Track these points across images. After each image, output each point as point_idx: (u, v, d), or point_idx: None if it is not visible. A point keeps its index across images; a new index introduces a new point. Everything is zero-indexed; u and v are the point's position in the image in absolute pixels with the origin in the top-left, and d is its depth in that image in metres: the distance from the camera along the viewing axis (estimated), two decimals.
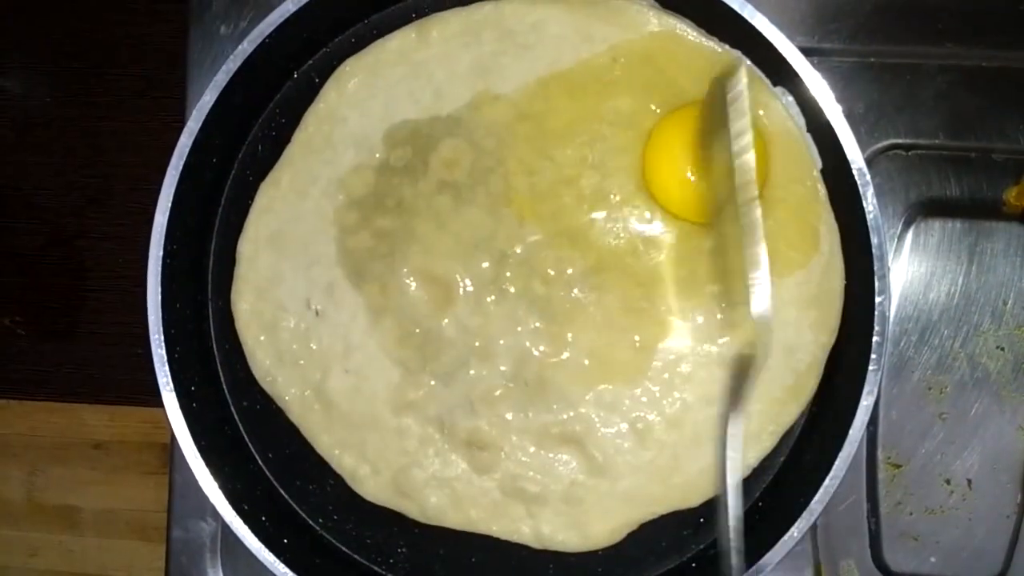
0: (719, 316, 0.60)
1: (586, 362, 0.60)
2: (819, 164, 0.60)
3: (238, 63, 0.60)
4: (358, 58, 0.63)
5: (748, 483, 0.62)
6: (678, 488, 0.61)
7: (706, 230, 0.60)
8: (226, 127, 0.62)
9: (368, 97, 0.63)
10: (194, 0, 0.69)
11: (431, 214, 0.62)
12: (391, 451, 0.62)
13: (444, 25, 0.63)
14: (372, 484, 0.62)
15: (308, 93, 0.64)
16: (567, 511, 0.61)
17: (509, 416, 0.61)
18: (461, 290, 0.61)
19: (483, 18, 0.62)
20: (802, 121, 0.60)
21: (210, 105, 0.59)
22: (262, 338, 0.63)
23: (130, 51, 1.46)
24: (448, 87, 0.62)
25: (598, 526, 0.61)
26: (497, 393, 0.61)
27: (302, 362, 0.62)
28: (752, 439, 0.60)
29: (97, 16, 1.47)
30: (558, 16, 0.62)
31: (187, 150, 0.59)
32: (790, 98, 0.60)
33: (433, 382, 0.61)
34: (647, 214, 0.61)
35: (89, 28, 1.48)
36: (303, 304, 0.62)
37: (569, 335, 0.61)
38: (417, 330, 0.62)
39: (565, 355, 0.60)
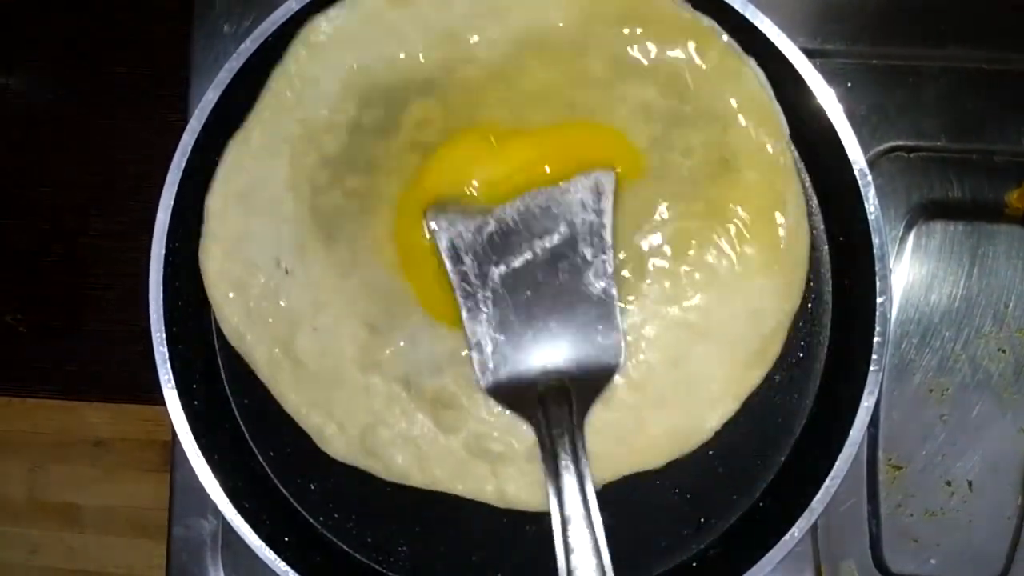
0: (683, 280, 0.61)
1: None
2: (787, 133, 0.60)
3: (240, 62, 0.60)
4: (326, 15, 0.62)
5: (749, 483, 0.63)
6: (640, 450, 0.61)
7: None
8: (228, 125, 0.62)
9: (340, 56, 0.62)
10: None
11: (401, 175, 0.62)
12: (358, 409, 0.62)
13: None
14: (338, 442, 0.62)
15: None
16: (531, 470, 0.61)
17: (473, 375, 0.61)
18: (432, 253, 0.61)
19: None
20: (770, 90, 0.60)
21: (212, 103, 0.59)
22: (231, 295, 0.62)
23: (133, 49, 1.46)
24: (421, 47, 0.61)
25: None
26: (463, 353, 0.61)
27: (271, 320, 0.62)
28: (716, 402, 0.61)
29: (100, 15, 1.48)
30: None
31: (189, 148, 0.60)
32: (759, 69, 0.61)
33: (401, 342, 0.62)
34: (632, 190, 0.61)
35: (92, 27, 1.48)
36: (273, 262, 0.62)
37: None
38: (387, 290, 0.62)
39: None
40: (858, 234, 0.58)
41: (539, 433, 0.58)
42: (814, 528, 0.62)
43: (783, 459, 0.63)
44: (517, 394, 0.59)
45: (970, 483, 0.65)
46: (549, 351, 0.59)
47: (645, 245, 0.61)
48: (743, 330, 0.61)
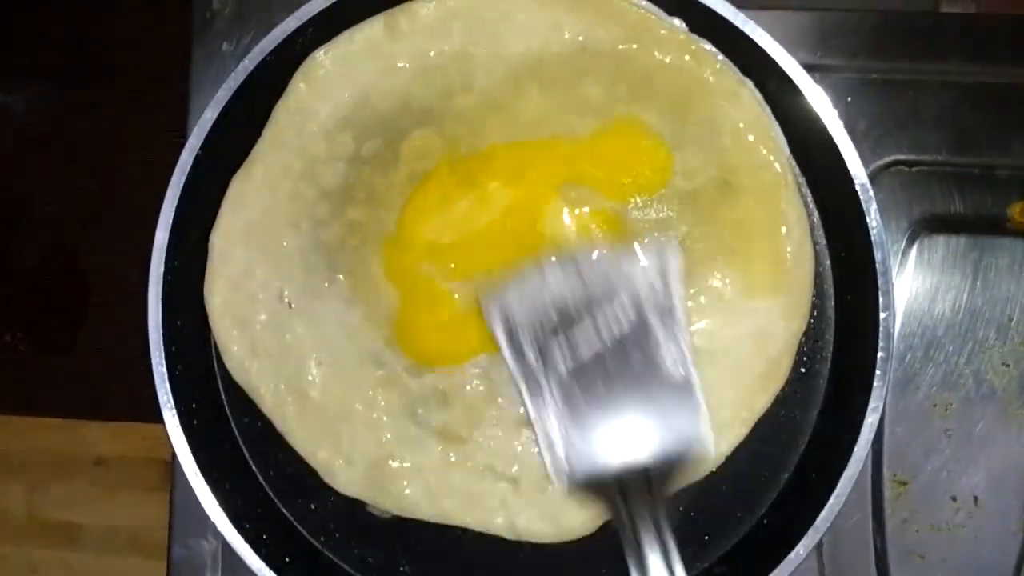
0: (690, 303, 0.60)
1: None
2: (787, 151, 0.60)
3: (239, 80, 0.60)
4: (326, 49, 0.63)
5: (754, 500, 0.62)
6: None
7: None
8: (227, 144, 0.62)
9: (338, 89, 0.62)
10: (197, 17, 0.69)
11: (402, 205, 0.62)
12: (365, 443, 0.62)
13: (412, 16, 0.62)
14: (346, 477, 0.62)
15: None
16: (540, 501, 0.60)
17: (482, 406, 0.61)
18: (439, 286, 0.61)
19: (452, 8, 0.62)
20: (768, 109, 0.60)
21: (211, 122, 0.60)
22: (235, 332, 0.62)
23: (132, 68, 1.47)
24: (419, 78, 0.62)
25: (573, 517, 0.60)
26: (469, 384, 0.60)
27: (275, 355, 0.62)
28: (725, 427, 0.60)
29: (100, 33, 1.48)
30: (527, 6, 0.62)
31: (188, 167, 0.60)
32: (755, 89, 0.61)
33: (406, 375, 0.61)
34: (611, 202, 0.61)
35: (92, 45, 1.49)
36: (276, 296, 0.62)
37: None
38: (389, 323, 0.62)
39: None
40: (860, 249, 0.58)
41: (617, 515, 0.54)
42: (819, 545, 0.62)
43: (787, 476, 0.63)
44: (595, 486, 0.55)
45: (976, 498, 0.64)
46: (629, 444, 0.55)
47: None
48: (750, 353, 0.60)
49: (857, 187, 0.57)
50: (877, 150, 0.65)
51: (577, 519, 0.60)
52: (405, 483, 0.61)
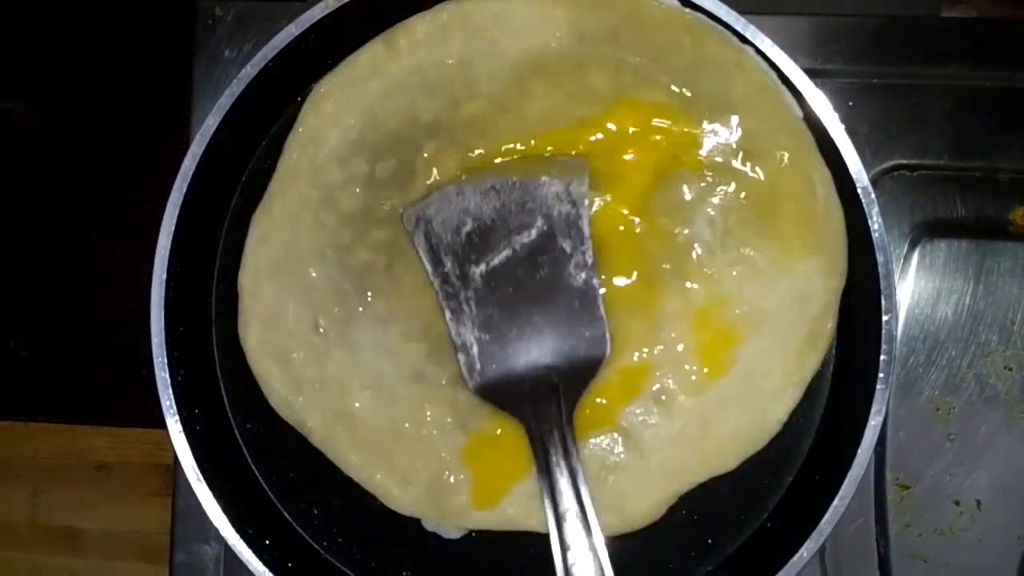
0: (725, 274, 0.61)
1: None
2: (799, 112, 0.60)
3: (242, 87, 0.60)
4: (331, 77, 0.63)
5: (757, 504, 0.62)
6: (711, 454, 0.61)
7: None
8: (230, 150, 0.62)
9: (346, 114, 0.63)
10: (199, 24, 0.69)
11: None
12: (420, 461, 0.61)
13: (410, 32, 0.62)
14: (407, 498, 0.62)
15: None
16: (604, 494, 0.60)
17: None
18: None
19: (447, 19, 0.62)
20: (773, 73, 0.60)
21: (214, 129, 0.60)
22: (275, 369, 0.63)
23: (135, 74, 1.47)
24: (423, 91, 0.62)
25: (637, 505, 0.61)
26: None
27: (318, 386, 0.62)
28: (778, 394, 0.60)
29: (102, 40, 1.49)
30: (518, 7, 0.62)
31: (191, 173, 0.60)
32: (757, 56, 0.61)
33: (450, 386, 0.61)
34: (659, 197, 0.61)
35: (94, 52, 1.49)
36: (311, 328, 0.62)
37: None
38: (427, 337, 0.62)
39: None
40: (863, 252, 0.58)
41: (528, 431, 0.58)
42: (822, 549, 0.62)
43: (790, 480, 0.63)
44: (505, 393, 0.59)
45: (979, 502, 0.64)
46: (534, 347, 0.59)
47: (683, 241, 0.60)
48: (792, 317, 0.60)
49: (859, 191, 0.57)
50: (879, 154, 0.66)
51: (642, 506, 0.60)
52: (465, 496, 0.61)
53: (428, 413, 0.61)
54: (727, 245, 0.60)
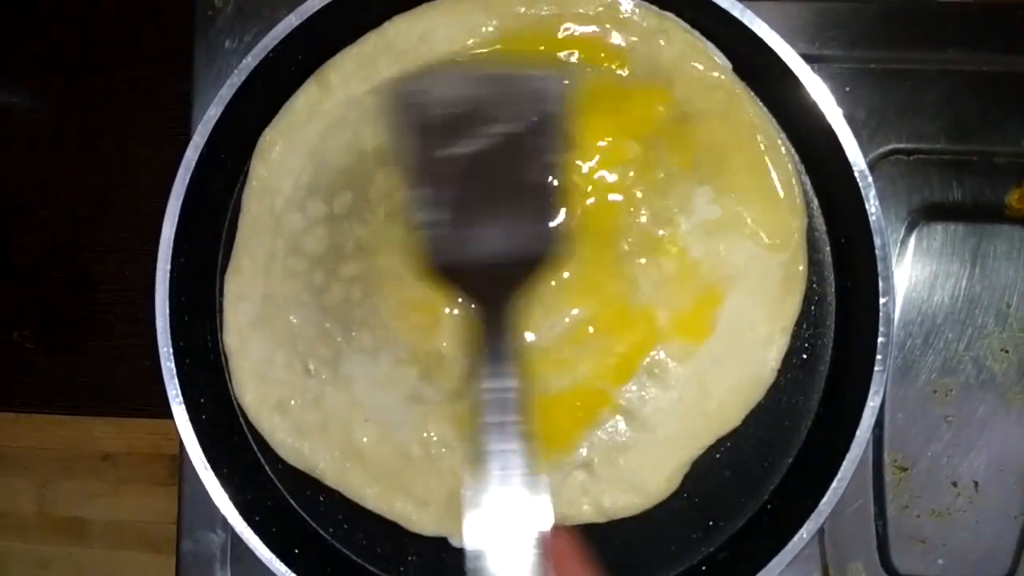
0: (690, 239, 0.62)
1: (591, 329, 0.61)
2: (729, 65, 0.61)
3: (243, 77, 0.60)
4: (273, 126, 0.64)
5: (757, 486, 0.63)
6: (715, 413, 0.62)
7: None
8: (232, 140, 0.63)
9: (294, 160, 0.64)
10: (199, 15, 0.69)
11: (391, 246, 0.62)
12: (434, 481, 0.62)
13: (339, 69, 0.64)
14: (428, 520, 0.62)
15: None
16: (617, 475, 0.61)
17: None
18: (446, 308, 0.62)
19: (372, 48, 0.63)
20: (697, 32, 0.61)
21: (215, 119, 0.60)
22: (277, 419, 0.63)
23: (135, 66, 1.47)
24: (363, 122, 0.63)
25: (653, 480, 0.61)
26: None
27: (322, 427, 0.63)
28: (768, 341, 0.61)
29: (102, 32, 1.48)
30: (439, 20, 0.63)
31: (193, 164, 0.60)
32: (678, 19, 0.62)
33: (447, 403, 0.62)
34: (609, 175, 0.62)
35: (94, 44, 1.49)
36: (303, 373, 0.63)
37: (574, 311, 0.61)
38: (417, 359, 0.62)
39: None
40: (860, 236, 0.58)
41: (476, 312, 0.55)
42: (821, 530, 0.62)
43: (790, 461, 0.63)
44: (465, 275, 0.56)
45: (976, 483, 0.65)
46: (499, 235, 0.56)
47: (640, 216, 0.61)
48: (764, 266, 0.61)
49: (856, 175, 0.58)
50: (876, 139, 0.66)
51: (658, 479, 0.61)
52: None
53: (432, 433, 0.62)
54: (686, 210, 0.61)
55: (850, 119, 0.59)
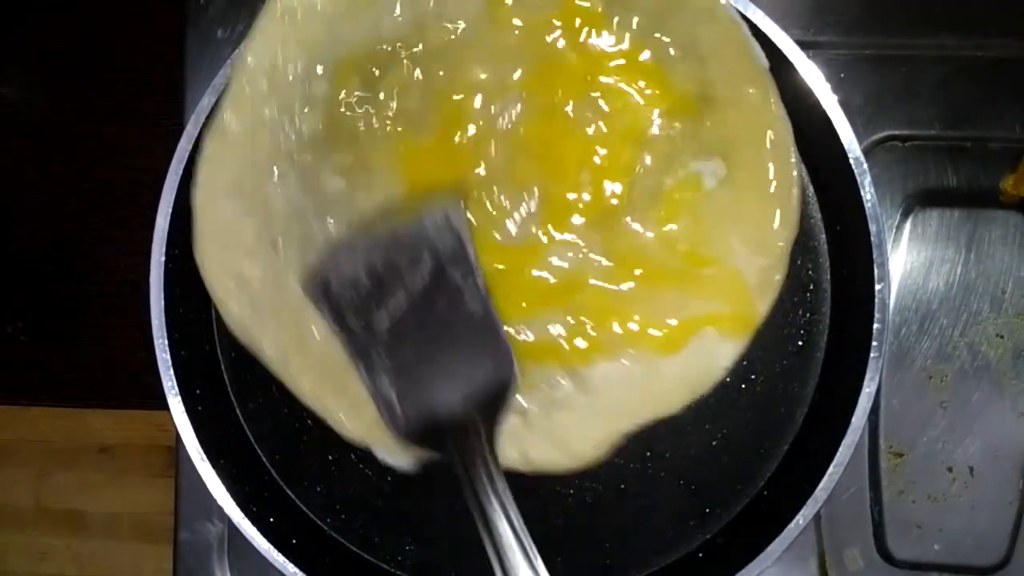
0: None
1: (552, 281, 0.60)
2: (766, 63, 0.59)
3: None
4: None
5: (753, 472, 0.63)
6: (659, 396, 0.60)
7: None
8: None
9: (307, 30, 0.60)
10: (190, 4, 0.69)
11: (389, 144, 0.60)
12: None
13: None
14: (358, 426, 0.61)
15: None
16: (549, 429, 0.60)
17: None
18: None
19: None
20: (741, 21, 0.59)
21: (208, 109, 0.60)
22: (231, 285, 0.61)
23: (128, 56, 1.46)
24: (391, 9, 0.60)
25: (581, 443, 0.60)
26: None
27: (274, 308, 0.61)
28: (722, 341, 0.60)
29: (94, 22, 1.48)
30: None
31: (187, 154, 0.60)
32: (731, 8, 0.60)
33: None
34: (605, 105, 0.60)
35: (86, 34, 1.48)
36: (270, 247, 0.61)
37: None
38: None
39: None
40: (855, 223, 0.58)
41: (454, 467, 0.56)
42: (817, 516, 0.63)
43: (786, 448, 0.63)
44: (430, 435, 0.58)
45: (971, 469, 0.65)
46: (448, 386, 0.57)
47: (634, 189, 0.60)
48: (742, 266, 0.60)
49: (851, 161, 0.58)
50: (871, 125, 0.66)
51: (586, 444, 0.60)
52: None
53: None
54: (681, 185, 0.60)
55: (845, 106, 0.58)
